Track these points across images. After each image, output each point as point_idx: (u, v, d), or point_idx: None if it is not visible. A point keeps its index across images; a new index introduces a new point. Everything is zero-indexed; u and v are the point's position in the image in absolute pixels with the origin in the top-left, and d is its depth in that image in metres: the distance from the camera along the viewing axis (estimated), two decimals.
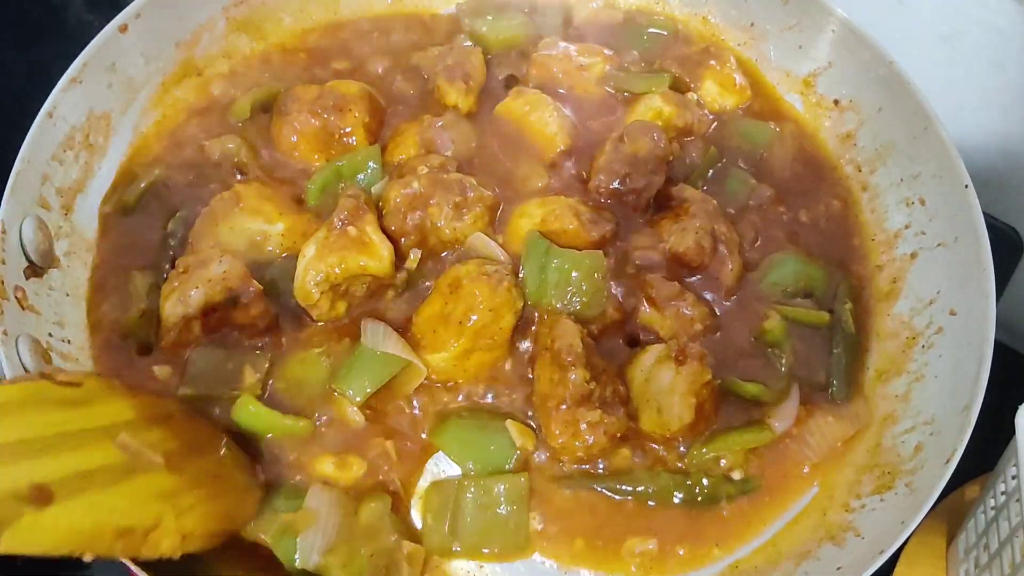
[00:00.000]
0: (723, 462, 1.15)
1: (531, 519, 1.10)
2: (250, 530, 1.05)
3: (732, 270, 1.26)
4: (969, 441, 1.05)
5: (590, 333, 1.17)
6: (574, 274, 1.16)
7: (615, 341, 1.21)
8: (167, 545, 0.94)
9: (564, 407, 1.08)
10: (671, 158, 1.32)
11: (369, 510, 1.06)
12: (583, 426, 1.08)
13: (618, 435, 1.10)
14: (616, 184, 1.28)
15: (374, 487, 1.10)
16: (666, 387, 1.11)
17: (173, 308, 1.11)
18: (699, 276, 1.26)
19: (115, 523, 0.91)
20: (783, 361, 1.21)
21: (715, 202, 1.29)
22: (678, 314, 1.19)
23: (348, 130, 1.32)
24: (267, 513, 1.05)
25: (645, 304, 1.20)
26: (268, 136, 1.35)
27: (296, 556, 1.02)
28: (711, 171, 1.39)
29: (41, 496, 0.88)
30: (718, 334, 1.23)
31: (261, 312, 1.15)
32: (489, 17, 1.51)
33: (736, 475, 1.14)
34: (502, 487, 1.08)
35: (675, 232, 1.23)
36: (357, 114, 1.33)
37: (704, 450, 1.14)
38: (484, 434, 1.13)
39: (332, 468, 1.10)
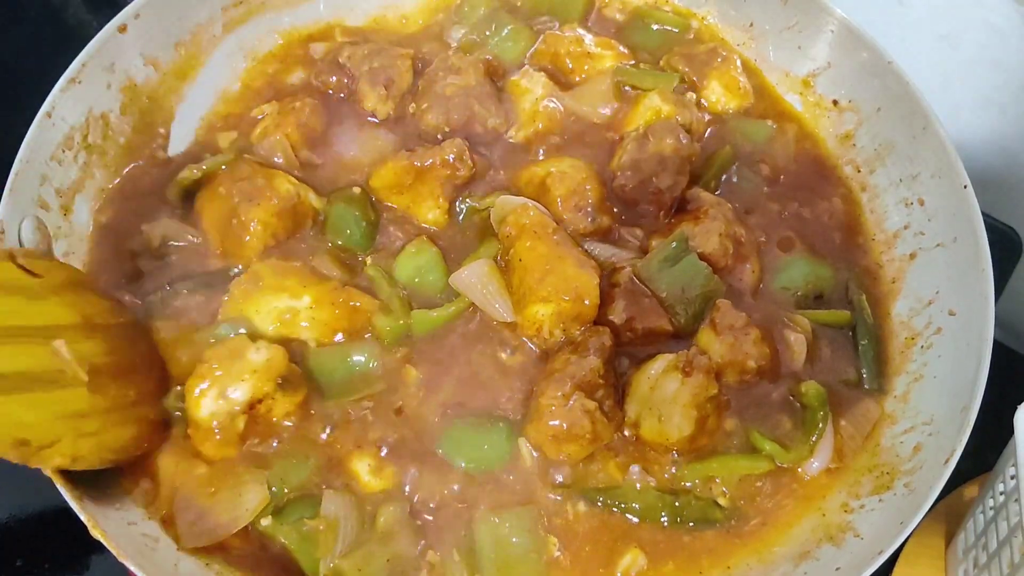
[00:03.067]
0: (724, 489, 1.13)
1: (551, 544, 1.08)
2: (270, 532, 1.05)
3: (753, 272, 1.26)
4: (968, 441, 1.05)
5: (632, 330, 1.17)
6: None
7: (640, 352, 1.19)
8: (56, 463, 0.92)
9: (567, 382, 1.07)
10: (693, 159, 1.31)
11: (387, 514, 1.05)
12: (573, 403, 1.06)
13: (597, 441, 1.09)
14: (641, 183, 1.27)
15: (392, 491, 1.09)
16: (669, 397, 1.10)
17: (211, 406, 1.03)
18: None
19: (16, 434, 0.89)
20: (817, 429, 1.15)
21: (730, 205, 1.28)
22: (734, 345, 1.15)
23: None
24: (289, 521, 1.04)
25: (707, 323, 1.18)
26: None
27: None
28: (724, 175, 1.38)
29: None
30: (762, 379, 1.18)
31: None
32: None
33: (721, 501, 1.12)
34: (514, 519, 1.06)
35: (698, 234, 1.22)
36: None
37: (697, 467, 1.12)
38: (478, 433, 1.12)
39: (367, 471, 1.09)
